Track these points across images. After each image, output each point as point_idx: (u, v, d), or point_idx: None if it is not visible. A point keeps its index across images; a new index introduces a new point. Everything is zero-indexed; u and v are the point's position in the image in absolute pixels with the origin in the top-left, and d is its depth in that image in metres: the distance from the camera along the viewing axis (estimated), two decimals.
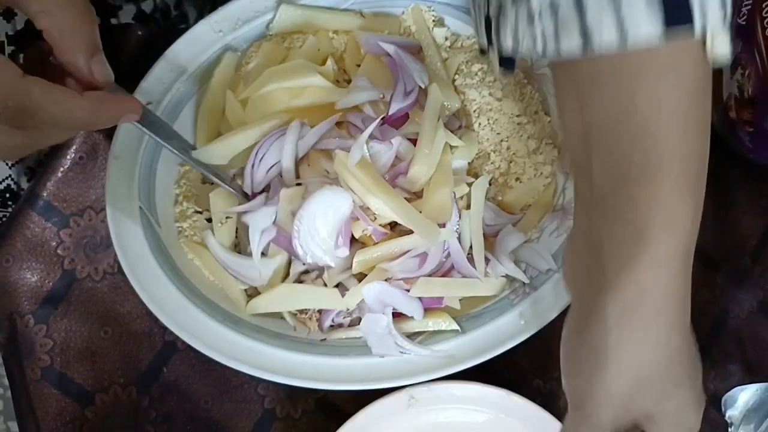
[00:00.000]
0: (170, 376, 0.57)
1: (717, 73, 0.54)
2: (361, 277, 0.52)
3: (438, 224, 0.51)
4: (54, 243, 0.57)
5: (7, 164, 0.61)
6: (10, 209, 0.61)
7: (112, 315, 0.57)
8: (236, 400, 0.57)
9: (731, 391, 0.59)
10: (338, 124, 0.53)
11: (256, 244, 0.51)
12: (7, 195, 0.61)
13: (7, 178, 0.61)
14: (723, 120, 0.57)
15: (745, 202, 0.61)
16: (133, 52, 0.57)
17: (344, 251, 0.51)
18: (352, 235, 0.52)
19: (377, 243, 0.51)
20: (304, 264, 0.52)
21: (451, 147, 0.53)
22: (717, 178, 0.61)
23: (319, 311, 0.53)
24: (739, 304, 0.61)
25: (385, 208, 0.50)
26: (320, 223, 0.50)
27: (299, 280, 0.53)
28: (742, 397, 0.58)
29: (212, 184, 0.55)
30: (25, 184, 0.60)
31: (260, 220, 0.51)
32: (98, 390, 0.56)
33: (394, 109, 0.52)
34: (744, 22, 0.52)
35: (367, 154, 0.50)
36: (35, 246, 0.57)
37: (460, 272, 0.53)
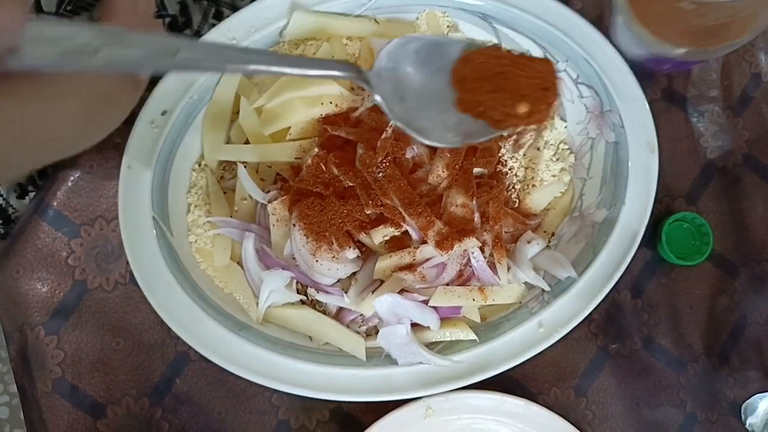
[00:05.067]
0: (183, 388, 0.56)
1: None
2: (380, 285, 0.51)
3: (460, 230, 0.50)
4: (65, 253, 0.56)
5: None
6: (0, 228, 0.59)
7: (123, 325, 0.56)
8: (250, 412, 0.56)
9: (751, 399, 0.58)
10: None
11: (263, 299, 0.51)
12: None
13: None
14: None
15: (762, 208, 0.61)
16: None
17: (353, 251, 0.50)
18: (365, 246, 0.52)
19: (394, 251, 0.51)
20: (317, 292, 0.52)
21: (475, 155, 0.52)
22: (734, 184, 0.61)
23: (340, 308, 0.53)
24: (758, 310, 0.60)
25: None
26: None
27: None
28: (762, 405, 0.58)
29: (225, 193, 0.54)
30: (14, 201, 0.58)
31: (274, 281, 0.51)
32: (110, 402, 0.55)
33: None
34: None
35: None
36: (45, 256, 0.56)
37: (481, 280, 0.52)
